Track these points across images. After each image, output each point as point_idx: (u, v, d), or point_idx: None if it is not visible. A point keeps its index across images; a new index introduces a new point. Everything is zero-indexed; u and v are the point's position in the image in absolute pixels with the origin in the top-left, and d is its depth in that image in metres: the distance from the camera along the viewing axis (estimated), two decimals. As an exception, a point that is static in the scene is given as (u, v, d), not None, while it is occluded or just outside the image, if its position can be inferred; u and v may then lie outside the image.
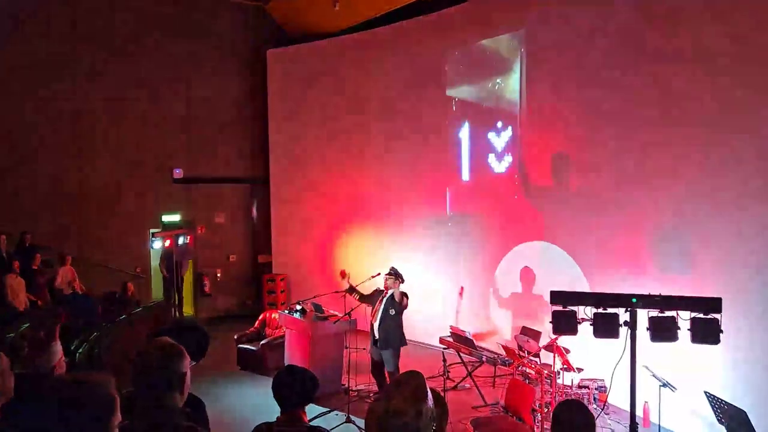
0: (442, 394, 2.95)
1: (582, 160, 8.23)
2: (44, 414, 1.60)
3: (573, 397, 6.99)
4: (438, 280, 10.20)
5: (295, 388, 3.10)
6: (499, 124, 9.48)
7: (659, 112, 7.06)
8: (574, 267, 8.25)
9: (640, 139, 7.30)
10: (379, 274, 7.68)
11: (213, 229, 12.74)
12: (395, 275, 7.30)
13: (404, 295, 7.16)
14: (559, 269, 8.45)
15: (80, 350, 7.56)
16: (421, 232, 10.64)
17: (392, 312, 7.11)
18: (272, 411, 3.14)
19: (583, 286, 7.90)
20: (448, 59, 10.28)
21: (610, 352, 5.48)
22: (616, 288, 6.25)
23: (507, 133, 9.38)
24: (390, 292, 7.25)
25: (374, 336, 7.30)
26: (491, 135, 9.61)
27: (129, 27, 11.53)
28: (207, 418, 3.01)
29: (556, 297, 4.82)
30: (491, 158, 9.65)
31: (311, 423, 3.22)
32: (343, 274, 7.67)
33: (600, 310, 4.68)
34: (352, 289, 7.62)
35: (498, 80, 9.55)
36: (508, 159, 9.41)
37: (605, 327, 4.63)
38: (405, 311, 7.28)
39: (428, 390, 2.18)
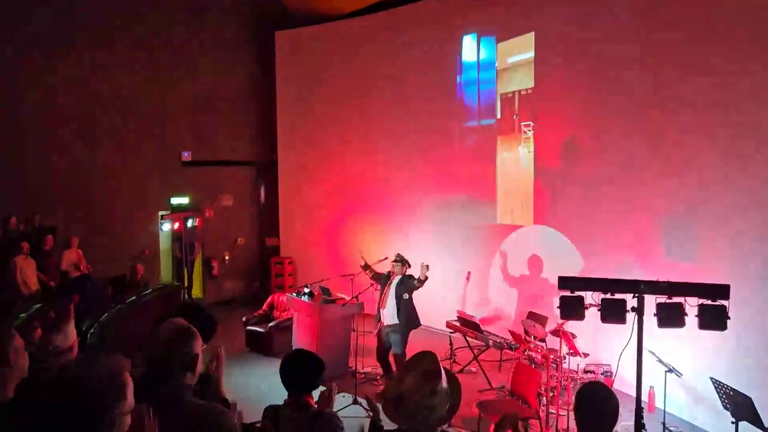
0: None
1: (590, 143, 8.19)
2: (52, 399, 1.61)
3: (579, 381, 7.03)
4: (445, 265, 10.21)
5: (302, 373, 3.12)
6: (510, 107, 9.44)
7: (671, 97, 6.99)
8: (576, 252, 8.26)
9: (650, 123, 7.24)
10: (386, 258, 7.71)
11: (221, 211, 12.80)
12: (401, 261, 7.35)
13: (419, 278, 7.16)
14: (561, 254, 8.47)
15: (91, 331, 7.63)
16: (428, 216, 10.63)
17: (406, 297, 7.14)
18: (280, 392, 3.17)
19: (582, 272, 7.91)
20: (459, 42, 10.21)
21: (616, 338, 5.48)
22: (621, 274, 6.25)
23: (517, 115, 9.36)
24: (398, 278, 7.28)
25: (382, 321, 7.34)
26: (501, 116, 9.58)
27: (135, 11, 11.49)
28: (217, 395, 3.05)
29: (564, 282, 4.82)
30: (499, 141, 9.62)
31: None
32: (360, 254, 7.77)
33: (607, 296, 4.67)
34: (367, 266, 7.64)
35: (509, 60, 9.48)
36: (517, 140, 9.38)
37: (613, 312, 4.63)
38: (414, 292, 7.30)
39: (442, 369, 2.21)
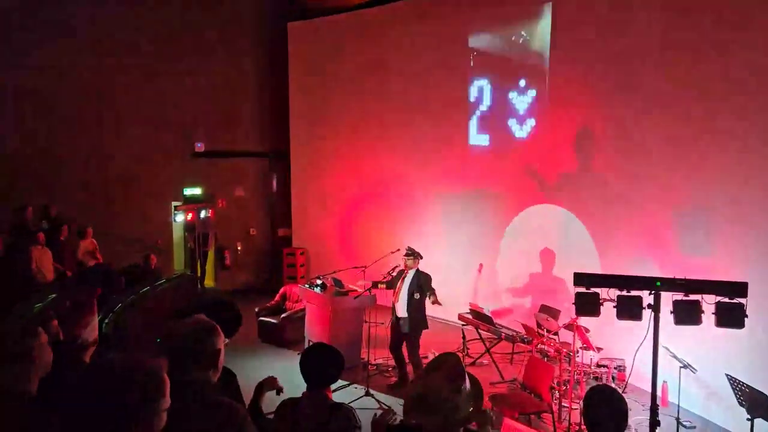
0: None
1: (606, 134, 8.13)
2: (90, 394, 1.63)
3: (592, 375, 7.03)
4: (457, 257, 10.21)
5: (322, 368, 3.13)
6: (522, 90, 9.38)
7: (690, 90, 6.92)
8: (591, 244, 8.23)
9: (669, 115, 7.17)
10: (398, 250, 7.72)
11: (233, 202, 12.82)
12: (413, 255, 7.34)
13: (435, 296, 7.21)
14: (575, 247, 8.45)
15: (105, 321, 7.69)
16: (441, 207, 10.61)
17: (417, 296, 7.14)
18: (294, 384, 3.18)
19: (596, 266, 7.89)
20: (471, 27, 10.13)
21: (630, 332, 5.46)
22: (635, 269, 6.22)
23: (530, 97, 9.30)
24: (411, 272, 7.28)
25: (396, 315, 7.36)
26: (513, 97, 9.52)
27: (150, 2, 11.49)
28: (240, 390, 3.08)
29: (580, 279, 4.80)
30: (512, 128, 9.57)
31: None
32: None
33: (623, 293, 4.65)
34: (376, 284, 7.63)
35: (522, 37, 9.41)
36: (530, 124, 9.33)
37: (629, 309, 4.61)
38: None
39: (465, 370, 2.23)
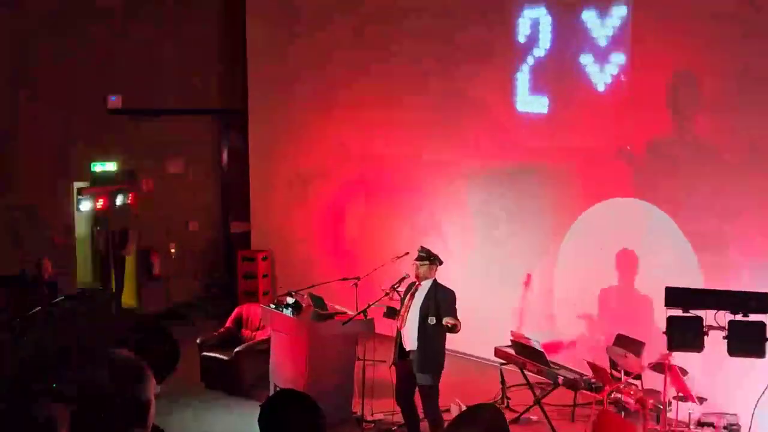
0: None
1: (720, 87, 8.12)
2: None
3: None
4: (490, 265, 10.22)
5: (292, 426, 3.11)
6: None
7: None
8: (689, 250, 8.24)
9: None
10: (407, 253, 7.73)
11: (165, 183, 12.80)
12: (429, 259, 7.29)
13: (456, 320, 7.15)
14: (666, 250, 8.46)
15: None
16: (470, 195, 10.61)
17: (433, 321, 7.09)
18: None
19: (697, 277, 7.91)
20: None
21: (747, 375, 5.46)
22: (754, 283, 6.20)
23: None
24: (426, 285, 7.25)
25: (402, 347, 7.35)
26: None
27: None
28: None
29: (674, 297, 4.80)
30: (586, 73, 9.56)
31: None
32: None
33: (738, 317, 4.65)
34: (393, 312, 7.63)
35: None
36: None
37: (745, 341, 4.61)
38: None
39: (508, 428, 2.24)
